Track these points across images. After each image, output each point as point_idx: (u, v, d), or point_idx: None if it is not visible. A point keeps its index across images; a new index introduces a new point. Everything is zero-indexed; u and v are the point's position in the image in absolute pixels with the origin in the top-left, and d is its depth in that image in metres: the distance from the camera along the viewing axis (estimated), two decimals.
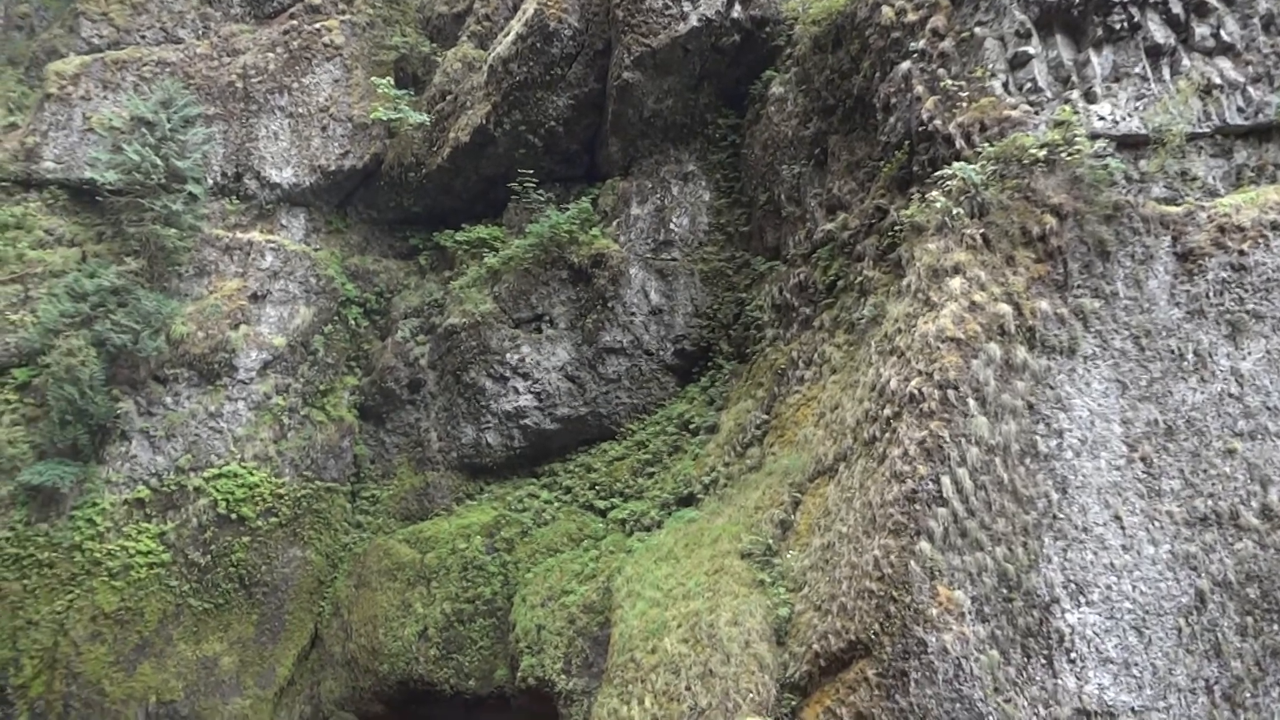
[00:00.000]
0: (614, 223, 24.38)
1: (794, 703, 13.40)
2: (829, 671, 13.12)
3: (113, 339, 24.05)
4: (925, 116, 16.31)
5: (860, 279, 17.63)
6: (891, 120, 17.51)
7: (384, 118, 27.60)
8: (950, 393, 13.26)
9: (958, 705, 11.73)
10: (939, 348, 13.64)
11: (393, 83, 28.35)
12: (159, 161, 25.23)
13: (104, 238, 26.63)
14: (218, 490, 24.66)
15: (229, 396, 25.76)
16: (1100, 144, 14.50)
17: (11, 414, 24.45)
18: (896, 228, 16.62)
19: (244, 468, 25.18)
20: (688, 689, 14.42)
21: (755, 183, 22.45)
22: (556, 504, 23.03)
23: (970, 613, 12.20)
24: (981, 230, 14.51)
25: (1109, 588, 12.71)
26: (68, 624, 22.86)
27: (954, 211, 14.77)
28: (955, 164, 15.02)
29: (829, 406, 16.93)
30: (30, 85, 29.03)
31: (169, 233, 25.36)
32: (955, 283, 14.16)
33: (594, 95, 24.71)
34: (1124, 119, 15.04)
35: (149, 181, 25.22)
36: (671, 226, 23.81)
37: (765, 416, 19.35)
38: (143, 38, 29.53)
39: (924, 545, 12.46)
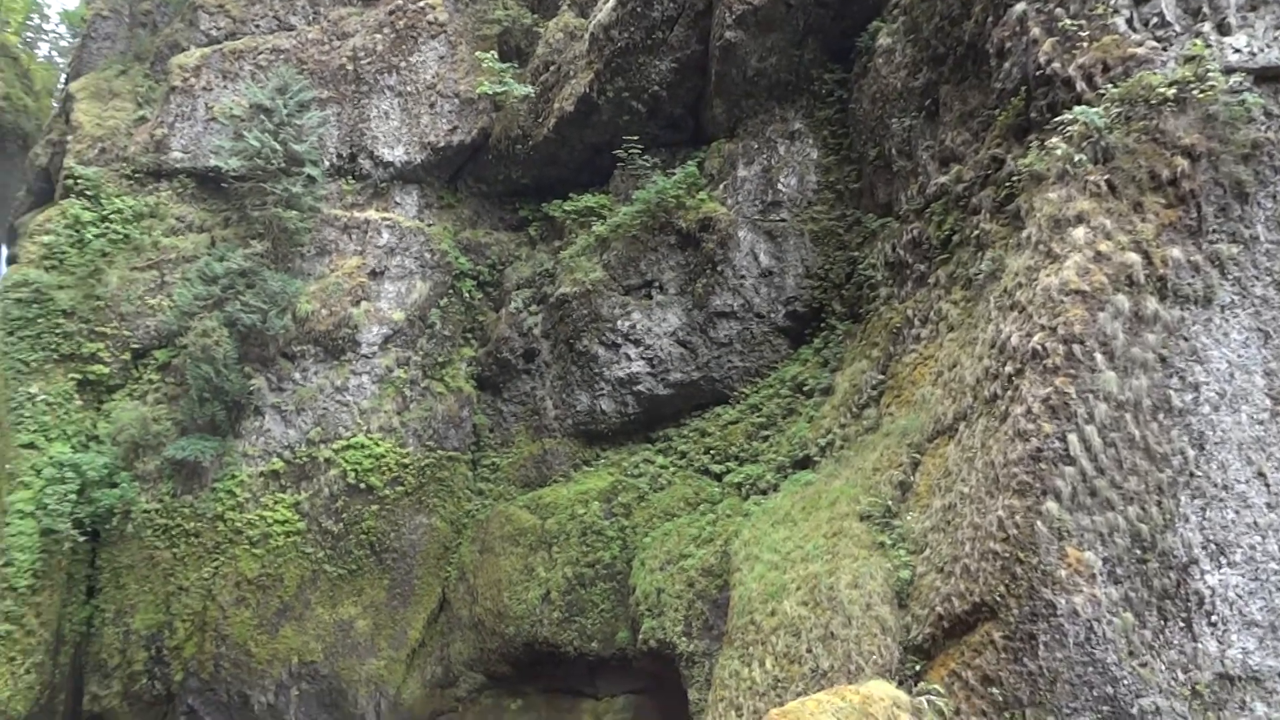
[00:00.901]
0: (721, 185, 24.18)
1: (918, 666, 13.23)
2: (953, 634, 12.90)
3: (243, 319, 25.17)
4: (1043, 60, 15.60)
5: (977, 233, 17.07)
6: (1006, 66, 16.81)
7: (489, 92, 27.94)
8: (1076, 347, 12.77)
9: (1090, 669, 11.41)
10: (1063, 301, 13.13)
11: (496, 56, 28.61)
12: (278, 146, 26.14)
13: (230, 222, 27.80)
14: (346, 461, 25.66)
15: (353, 371, 26.69)
16: (1236, 79, 13.60)
17: (155, 393, 25.91)
18: (1014, 178, 16.01)
19: (370, 439, 26.10)
20: (809, 651, 14.42)
21: (864, 138, 21.91)
22: (672, 469, 23.19)
23: (1101, 574, 11.82)
24: (1106, 176, 13.85)
25: (1252, 548, 12.12)
26: (215, 589, 24.23)
27: (1076, 158, 14.12)
28: (1076, 108, 14.33)
29: (947, 365, 16.52)
30: (156, 79, 30.37)
31: (290, 215, 26.31)
32: (1079, 233, 13.58)
33: (696, 57, 24.43)
34: (1262, 50, 14.07)
35: (269, 166, 26.17)
36: (779, 187, 23.48)
37: (881, 377, 19.01)
38: (257, 27, 30.52)
39: (1051, 505, 12.09)
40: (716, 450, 22.75)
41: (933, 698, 11.83)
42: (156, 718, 23.91)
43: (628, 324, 24.21)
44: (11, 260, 29.24)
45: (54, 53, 53.55)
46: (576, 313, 24.92)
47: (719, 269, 23.23)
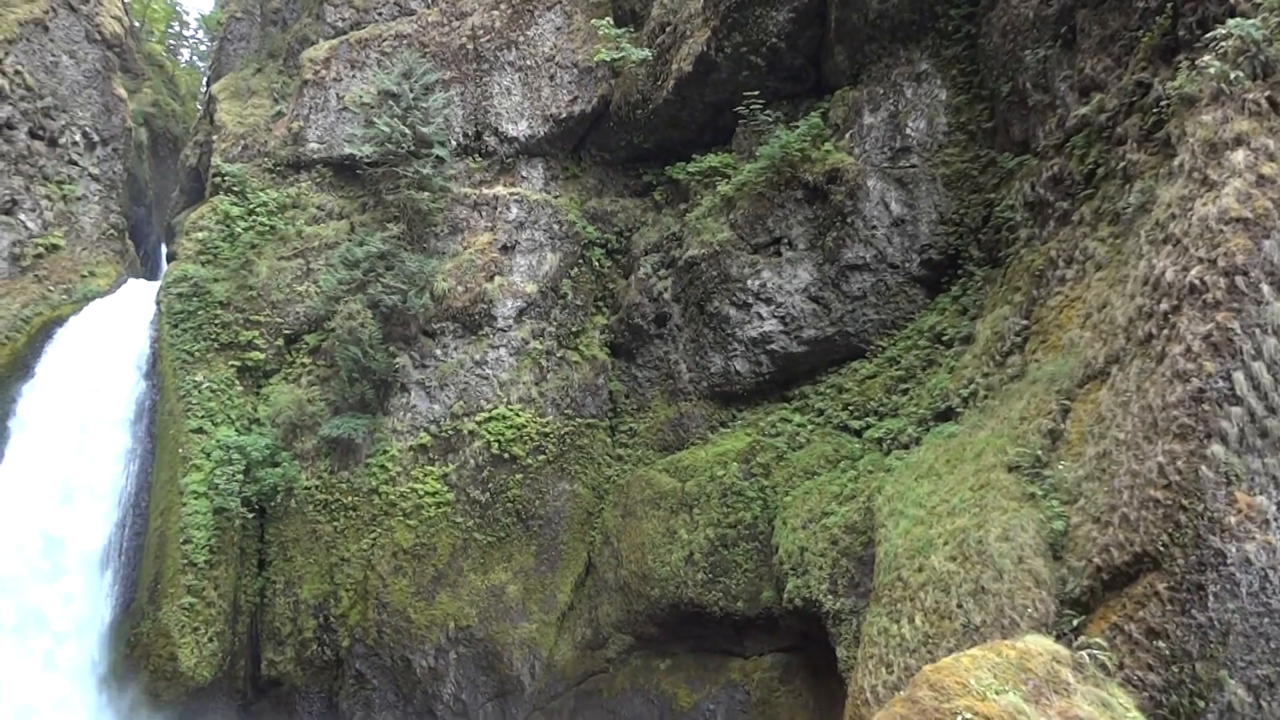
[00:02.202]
0: (846, 135, 23.57)
1: (1075, 620, 12.75)
2: (1113, 586, 12.37)
3: (385, 300, 26.08)
4: None
5: (1123, 164, 16.13)
6: None
7: (607, 59, 27.95)
8: (1238, 279, 11.95)
9: (1266, 620, 10.77)
10: (1222, 230, 12.30)
11: (612, 22, 28.57)
12: (406, 130, 26.84)
13: (367, 208, 28.78)
14: (489, 432, 26.38)
15: (491, 344, 27.34)
16: None
17: (308, 376, 27.19)
18: (1162, 103, 15.03)
19: (511, 410, 26.74)
20: (959, 606, 14.09)
21: (996, 74, 20.93)
22: (810, 426, 22.92)
23: (1276, 520, 11.10)
24: (1267, 93, 12.84)
25: None
26: (374, 559, 25.37)
27: (1232, 76, 13.14)
28: (1230, 21, 13.32)
29: (1096, 306, 15.74)
30: (289, 74, 31.59)
31: (422, 196, 27.04)
32: (1238, 156, 12.66)
33: (814, 5, 23.77)
34: None
35: (400, 150, 26.92)
36: (908, 132, 22.71)
37: (1024, 322, 18.27)
38: (379, 15, 31.31)
39: (1216, 449, 11.41)
40: (855, 406, 22.36)
41: (1094, 652, 11.39)
42: (329, 680, 25.29)
43: (758, 283, 23.96)
44: (171, 257, 31.10)
45: (194, 57, 56.43)
46: (706, 274, 24.83)
47: (849, 221, 22.70)
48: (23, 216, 27.76)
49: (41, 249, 28.26)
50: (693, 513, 23.29)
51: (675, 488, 24.00)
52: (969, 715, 8.79)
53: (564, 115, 29.13)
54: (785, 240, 23.87)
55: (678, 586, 22.85)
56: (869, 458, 20.72)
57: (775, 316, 23.74)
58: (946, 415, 19.47)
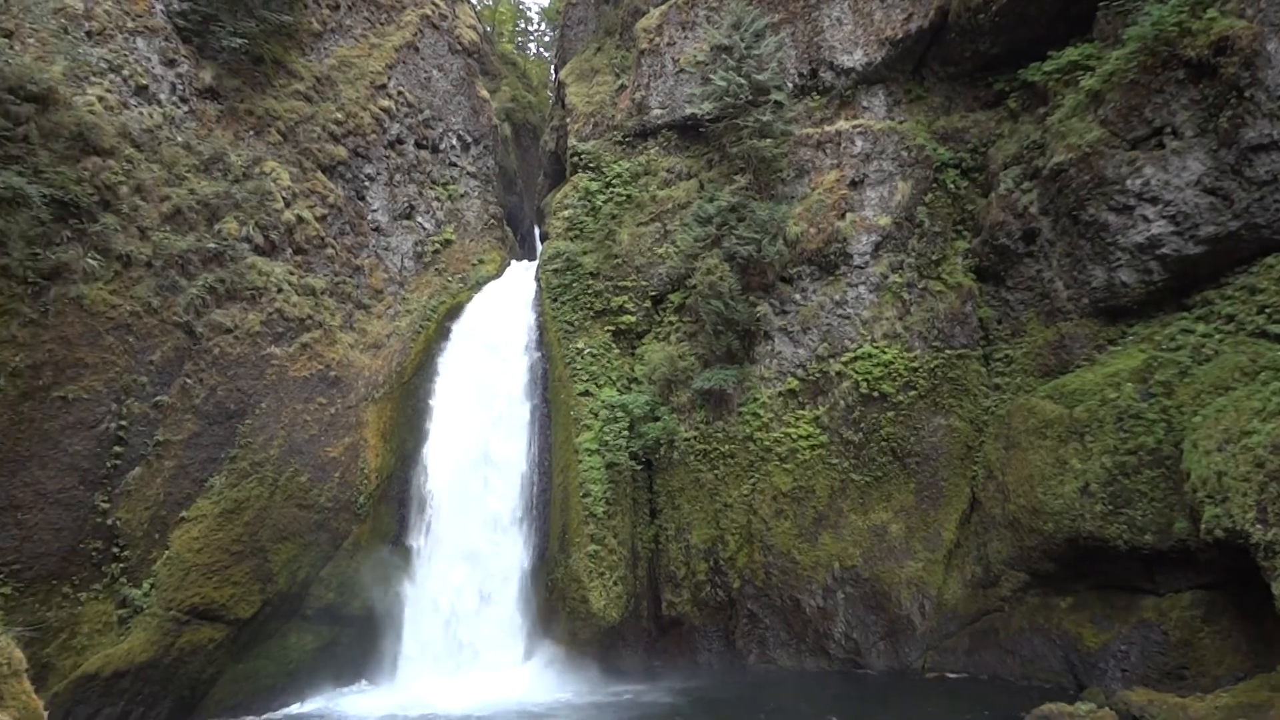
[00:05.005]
0: None
1: None
2: None
3: (739, 251, 26.57)
4: None
5: None
6: None
7: None
8: None
9: None
10: None
11: None
12: (742, 80, 27.00)
13: (712, 164, 29.37)
14: (857, 372, 26.14)
15: (849, 283, 26.98)
16: None
17: (675, 333, 28.42)
18: None
19: (876, 348, 26.31)
20: None
21: None
22: (1218, 336, 20.30)
23: None
24: None
25: None
26: (754, 504, 26.14)
27: None
28: None
29: None
30: (626, 48, 32.89)
31: (765, 143, 27.11)
32: None
33: None
34: None
35: (738, 101, 27.16)
36: None
37: None
38: None
39: None
40: (1274, 308, 19.47)
41: None
42: (724, 620, 26.52)
43: (1139, 182, 21.53)
44: (544, 237, 33.72)
45: (540, 49, 60.58)
46: (1076, 180, 22.71)
47: (1247, 95, 19.67)
48: (420, 219, 31.30)
49: (438, 245, 31.71)
50: (1084, 440, 21.60)
51: (1062, 414, 22.38)
52: None
53: (900, 36, 27.81)
54: (1168, 129, 21.19)
55: (1073, 520, 21.35)
56: None
57: (1164, 217, 21.23)
58: None
